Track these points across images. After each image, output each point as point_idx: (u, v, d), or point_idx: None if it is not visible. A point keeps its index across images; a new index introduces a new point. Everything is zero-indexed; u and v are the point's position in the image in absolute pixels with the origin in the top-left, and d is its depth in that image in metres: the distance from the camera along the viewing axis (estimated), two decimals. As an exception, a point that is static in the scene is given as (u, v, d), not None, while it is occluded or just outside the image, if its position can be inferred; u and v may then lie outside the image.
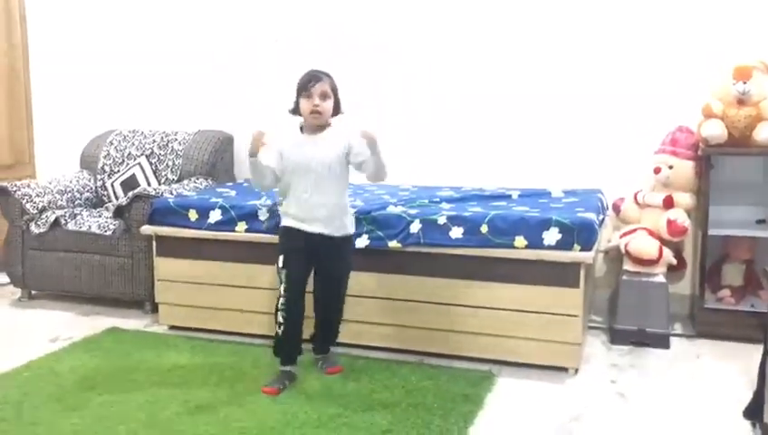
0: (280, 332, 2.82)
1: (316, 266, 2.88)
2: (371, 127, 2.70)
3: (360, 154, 2.77)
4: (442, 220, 3.04)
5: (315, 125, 2.81)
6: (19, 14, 4.79)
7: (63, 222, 3.93)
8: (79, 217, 3.98)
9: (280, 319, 2.81)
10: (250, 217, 3.33)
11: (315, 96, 2.76)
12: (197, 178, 4.13)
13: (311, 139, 2.82)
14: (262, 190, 3.08)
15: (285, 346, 2.85)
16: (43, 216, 3.99)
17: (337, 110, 2.84)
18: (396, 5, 4.04)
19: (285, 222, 2.87)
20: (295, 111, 2.84)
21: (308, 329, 2.95)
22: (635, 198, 3.62)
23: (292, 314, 2.80)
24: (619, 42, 3.68)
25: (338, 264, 2.91)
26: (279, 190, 2.91)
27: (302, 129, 2.86)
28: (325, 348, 3.05)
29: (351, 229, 2.93)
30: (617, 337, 3.35)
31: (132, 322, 3.69)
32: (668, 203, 3.46)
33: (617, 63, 3.69)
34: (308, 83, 2.77)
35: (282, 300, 2.80)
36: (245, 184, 4.13)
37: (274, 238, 3.22)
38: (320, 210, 2.79)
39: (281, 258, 2.82)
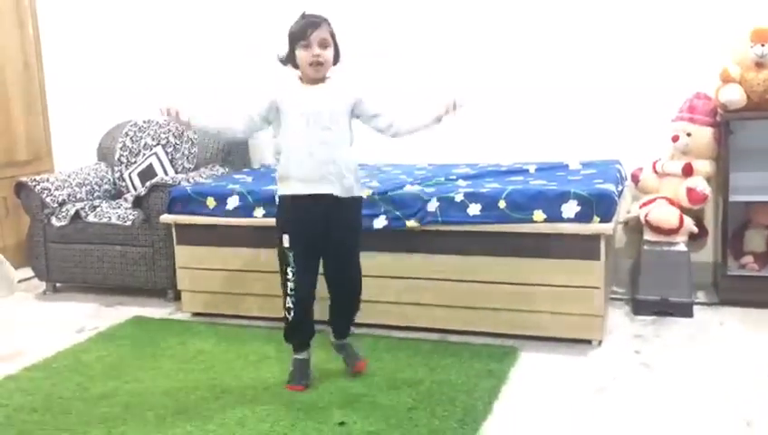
0: (290, 317, 2.62)
1: (325, 241, 2.59)
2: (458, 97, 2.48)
3: (375, 107, 2.58)
4: (459, 198, 3.03)
5: (316, 78, 2.54)
6: (30, 7, 4.81)
7: (84, 214, 3.97)
8: (98, 208, 4.02)
9: (289, 304, 2.60)
10: (267, 202, 3.33)
11: (315, 45, 2.46)
12: (213, 166, 4.14)
13: (312, 88, 2.54)
14: (242, 136, 2.74)
15: (297, 333, 2.68)
16: (64, 209, 4.04)
17: (336, 58, 2.55)
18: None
19: (286, 189, 2.56)
20: (288, 60, 2.55)
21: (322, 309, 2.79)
22: (653, 167, 3.58)
23: (302, 300, 2.60)
24: (634, 9, 3.62)
25: (347, 234, 2.63)
26: (275, 150, 2.61)
27: (301, 80, 2.58)
28: (344, 331, 2.80)
29: (360, 191, 2.68)
30: (640, 308, 3.34)
31: (156, 310, 3.73)
32: (688, 171, 3.42)
33: (631, 31, 3.63)
34: (306, 31, 2.45)
35: (291, 285, 2.58)
36: (262, 169, 4.15)
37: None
38: (328, 166, 2.50)
39: (285, 238, 2.56)
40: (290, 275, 2.58)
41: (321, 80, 2.55)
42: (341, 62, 2.59)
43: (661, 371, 2.74)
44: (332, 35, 2.52)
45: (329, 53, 2.51)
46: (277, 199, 2.68)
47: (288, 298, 2.60)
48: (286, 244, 2.57)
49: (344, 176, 2.54)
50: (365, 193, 2.78)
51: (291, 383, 2.67)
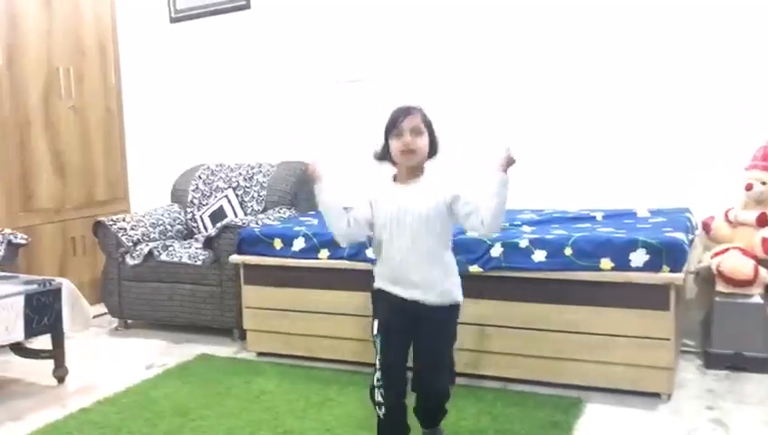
0: (380, 414, 2.34)
1: (414, 336, 2.37)
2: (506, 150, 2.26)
3: (470, 203, 2.31)
4: (524, 243, 3.01)
5: (409, 169, 2.35)
6: (114, 58, 5.09)
7: (156, 253, 4.11)
8: (171, 248, 4.15)
9: (378, 398, 2.33)
10: (332, 244, 3.38)
11: (406, 132, 2.29)
12: (281, 208, 4.24)
13: (404, 188, 2.35)
14: (341, 240, 2.49)
15: (388, 431, 2.40)
16: (138, 248, 4.19)
17: (434, 150, 2.37)
18: (470, 27, 4.07)
19: (378, 284, 2.42)
20: (383, 155, 2.38)
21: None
22: (726, 216, 3.48)
23: (391, 391, 2.32)
24: (707, 52, 3.56)
25: (438, 337, 2.36)
26: (373, 248, 2.50)
27: (394, 178, 2.41)
28: (430, 424, 2.51)
29: (458, 296, 2.39)
30: (712, 361, 3.22)
31: (222, 349, 3.81)
32: (763, 220, 3.31)
33: (704, 75, 3.57)
34: (397, 119, 2.31)
35: (378, 374, 2.33)
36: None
37: (356, 265, 3.31)
38: (416, 274, 2.30)
39: (375, 323, 2.38)
40: (377, 365, 2.35)
41: (415, 175, 2.36)
42: (439, 153, 2.40)
43: (736, 429, 2.62)
44: (427, 124, 2.35)
45: (422, 141, 2.32)
46: (372, 290, 2.49)
47: (376, 391, 2.34)
48: (374, 330, 2.38)
49: (437, 282, 2.33)
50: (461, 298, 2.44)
51: None
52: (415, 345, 2.38)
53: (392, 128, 2.33)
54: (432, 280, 2.32)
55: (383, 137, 2.37)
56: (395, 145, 2.32)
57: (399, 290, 2.34)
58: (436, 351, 2.37)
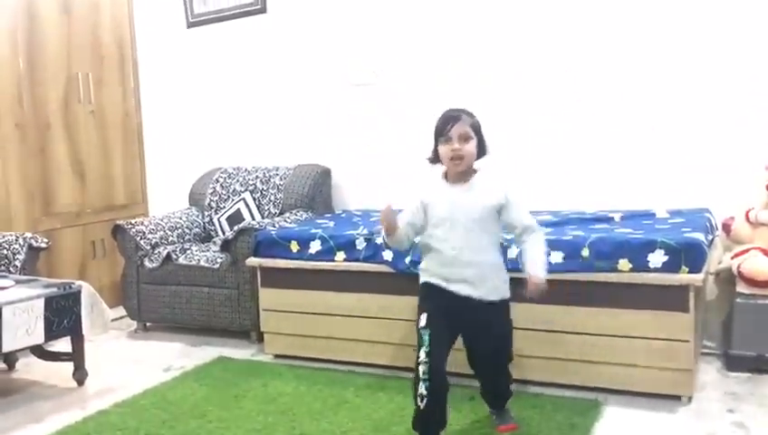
0: (422, 405, 2.34)
1: (465, 333, 2.55)
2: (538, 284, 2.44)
3: (514, 220, 2.48)
4: (541, 245, 2.99)
5: (458, 172, 2.49)
6: (132, 63, 5.14)
7: (175, 257, 4.13)
8: (189, 251, 4.18)
9: (422, 390, 2.33)
10: (348, 246, 3.39)
11: (454, 140, 2.43)
12: (298, 211, 4.25)
13: (457, 187, 2.49)
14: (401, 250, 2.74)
15: (428, 423, 2.41)
16: (156, 251, 4.22)
17: (482, 151, 2.50)
18: (483, 30, 4.05)
19: (428, 279, 2.54)
20: (434, 159, 2.53)
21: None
22: (746, 216, 3.43)
23: (435, 385, 2.34)
24: (727, 49, 3.52)
25: (494, 330, 2.53)
26: (420, 246, 2.61)
27: (446, 176, 2.53)
28: (498, 405, 2.72)
29: (507, 292, 2.55)
30: (733, 364, 3.17)
31: (239, 351, 3.82)
32: (785, 221, 3.26)
33: (724, 73, 3.53)
34: (445, 126, 2.45)
35: (423, 368, 2.34)
36: (344, 214, 4.23)
37: (372, 267, 3.30)
38: (468, 270, 2.44)
39: (423, 317, 2.44)
40: (422, 358, 2.36)
41: (466, 176, 2.49)
42: (488, 154, 2.54)
43: (758, 432, 2.58)
44: (475, 128, 2.48)
45: (470, 147, 2.45)
46: (420, 285, 2.60)
47: (421, 384, 2.35)
48: (423, 323, 2.44)
49: (487, 277, 2.47)
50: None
51: None
52: (470, 345, 2.57)
53: (440, 135, 2.47)
54: (483, 276, 2.46)
55: (433, 141, 2.51)
56: (444, 150, 2.46)
57: (451, 287, 2.47)
58: (495, 351, 2.57)
